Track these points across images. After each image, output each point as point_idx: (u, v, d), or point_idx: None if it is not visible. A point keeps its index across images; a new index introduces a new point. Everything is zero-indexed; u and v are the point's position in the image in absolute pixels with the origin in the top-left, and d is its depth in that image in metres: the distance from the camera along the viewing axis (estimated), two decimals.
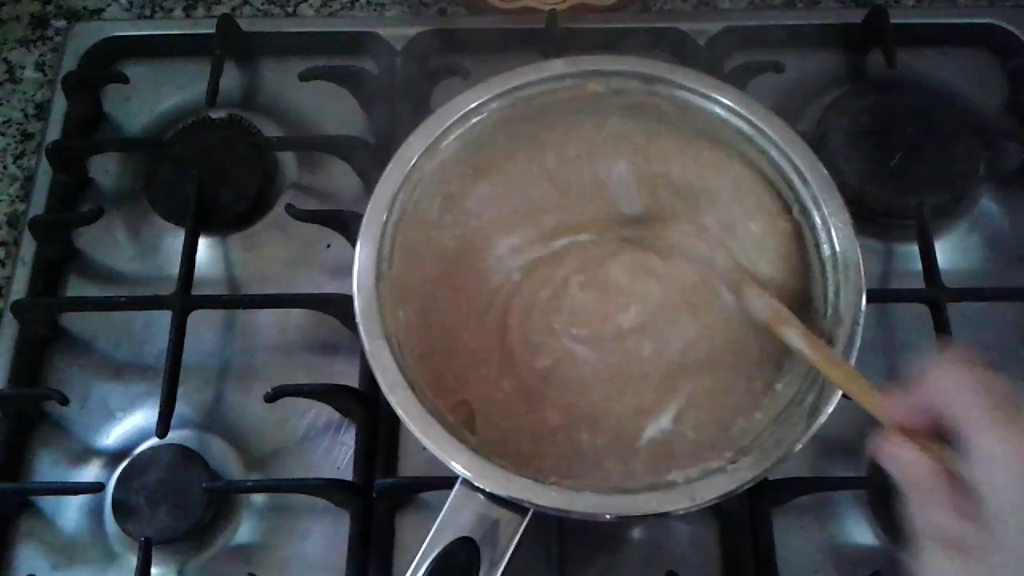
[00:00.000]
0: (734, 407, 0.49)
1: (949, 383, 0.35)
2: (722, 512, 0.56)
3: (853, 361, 0.47)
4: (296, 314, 0.62)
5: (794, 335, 0.47)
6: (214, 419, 0.60)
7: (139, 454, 0.58)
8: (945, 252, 0.62)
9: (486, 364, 0.51)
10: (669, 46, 0.70)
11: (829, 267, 0.50)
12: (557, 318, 0.51)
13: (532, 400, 0.50)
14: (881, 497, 0.56)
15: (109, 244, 0.66)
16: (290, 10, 0.75)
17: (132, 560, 0.54)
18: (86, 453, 0.60)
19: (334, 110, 0.70)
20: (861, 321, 0.48)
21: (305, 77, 0.67)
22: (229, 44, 0.70)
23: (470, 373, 0.50)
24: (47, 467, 0.60)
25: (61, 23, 0.75)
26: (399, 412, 0.46)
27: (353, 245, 0.50)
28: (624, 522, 0.56)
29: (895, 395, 0.38)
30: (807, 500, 0.57)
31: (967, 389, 0.35)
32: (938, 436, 0.36)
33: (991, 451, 0.33)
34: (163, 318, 0.60)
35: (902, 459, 0.37)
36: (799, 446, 0.45)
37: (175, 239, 0.64)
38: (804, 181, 0.51)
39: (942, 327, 0.58)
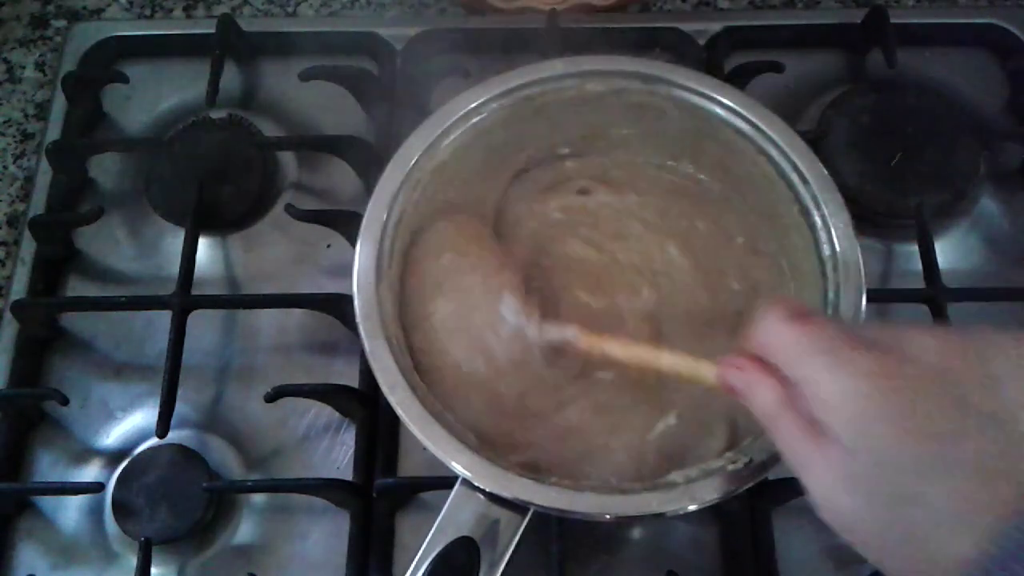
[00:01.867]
0: None
1: (772, 340, 0.37)
2: (722, 512, 0.56)
3: None
4: (296, 314, 0.62)
5: (611, 347, 0.49)
6: (214, 419, 0.60)
7: (139, 454, 0.58)
8: (945, 252, 0.62)
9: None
10: (669, 46, 0.70)
11: (829, 267, 0.50)
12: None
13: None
14: None
15: (109, 244, 0.66)
16: (290, 10, 0.75)
17: (132, 560, 0.54)
18: (86, 453, 0.60)
19: (334, 110, 0.70)
20: (861, 321, 0.48)
21: (305, 77, 0.67)
22: (229, 44, 0.70)
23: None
24: (47, 467, 0.60)
25: (61, 23, 0.75)
26: (399, 412, 0.46)
27: (353, 245, 0.50)
28: (624, 522, 0.56)
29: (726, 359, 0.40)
30: (807, 500, 0.56)
31: (790, 344, 0.36)
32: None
33: (827, 398, 0.35)
34: (163, 318, 0.60)
35: (748, 378, 0.39)
36: None
37: (175, 239, 0.64)
38: (804, 181, 0.51)
39: None
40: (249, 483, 0.59)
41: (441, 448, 0.45)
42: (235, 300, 0.64)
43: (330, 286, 0.62)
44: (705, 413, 0.50)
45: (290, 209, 0.63)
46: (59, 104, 0.69)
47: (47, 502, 0.59)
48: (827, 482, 0.36)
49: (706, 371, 0.43)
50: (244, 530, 0.58)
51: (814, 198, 0.51)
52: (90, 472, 0.59)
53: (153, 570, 0.54)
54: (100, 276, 0.66)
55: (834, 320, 0.46)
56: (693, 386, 0.47)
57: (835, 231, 0.50)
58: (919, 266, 0.61)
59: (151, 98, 0.71)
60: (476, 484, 0.44)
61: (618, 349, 0.48)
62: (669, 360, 0.46)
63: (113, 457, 0.59)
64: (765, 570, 0.55)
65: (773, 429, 0.38)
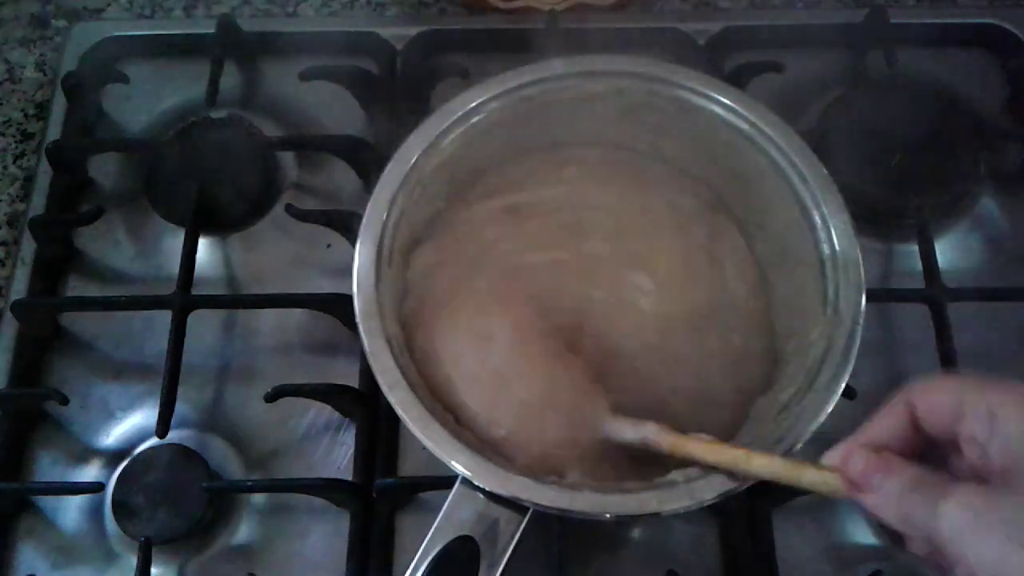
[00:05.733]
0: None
1: (949, 392, 0.37)
2: (722, 512, 0.56)
3: (852, 362, 0.47)
4: (296, 314, 0.62)
5: (696, 448, 0.45)
6: (214, 419, 0.60)
7: (139, 454, 0.58)
8: (945, 252, 0.62)
9: None
10: (669, 46, 0.70)
11: (829, 267, 0.50)
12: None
13: None
14: None
15: (109, 244, 0.66)
16: (290, 10, 0.75)
17: (132, 560, 0.54)
18: (86, 453, 0.60)
19: (334, 110, 0.70)
20: (861, 321, 0.48)
21: (305, 77, 0.67)
22: (229, 44, 0.70)
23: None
24: (47, 467, 0.60)
25: (61, 23, 0.75)
26: (399, 412, 0.46)
27: (353, 245, 0.50)
28: (624, 522, 0.56)
29: (851, 444, 0.39)
30: (807, 500, 0.56)
31: (974, 387, 0.36)
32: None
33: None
34: (163, 318, 0.60)
35: (885, 462, 0.37)
36: (799, 446, 0.45)
37: (175, 239, 0.64)
38: (804, 181, 0.51)
39: (942, 327, 0.58)
40: (249, 483, 0.59)
41: (441, 448, 0.45)
42: (235, 300, 0.64)
43: (330, 286, 0.62)
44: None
45: (290, 209, 0.63)
46: (59, 104, 0.69)
47: (47, 502, 0.59)
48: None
49: (810, 475, 0.40)
50: (244, 530, 0.58)
51: (814, 198, 0.51)
52: (90, 472, 0.59)
53: (153, 570, 0.54)
54: (100, 276, 0.66)
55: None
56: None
57: (835, 230, 0.50)
58: (919, 266, 0.61)
59: (151, 98, 0.71)
60: (476, 484, 0.44)
61: (703, 450, 0.44)
62: (762, 463, 0.43)
63: (113, 457, 0.59)
64: (765, 570, 0.55)
65: (909, 504, 0.36)
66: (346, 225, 0.63)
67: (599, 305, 0.52)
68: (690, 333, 0.52)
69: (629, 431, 0.47)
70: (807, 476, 0.41)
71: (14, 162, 0.70)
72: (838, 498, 0.39)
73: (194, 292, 0.61)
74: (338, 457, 0.59)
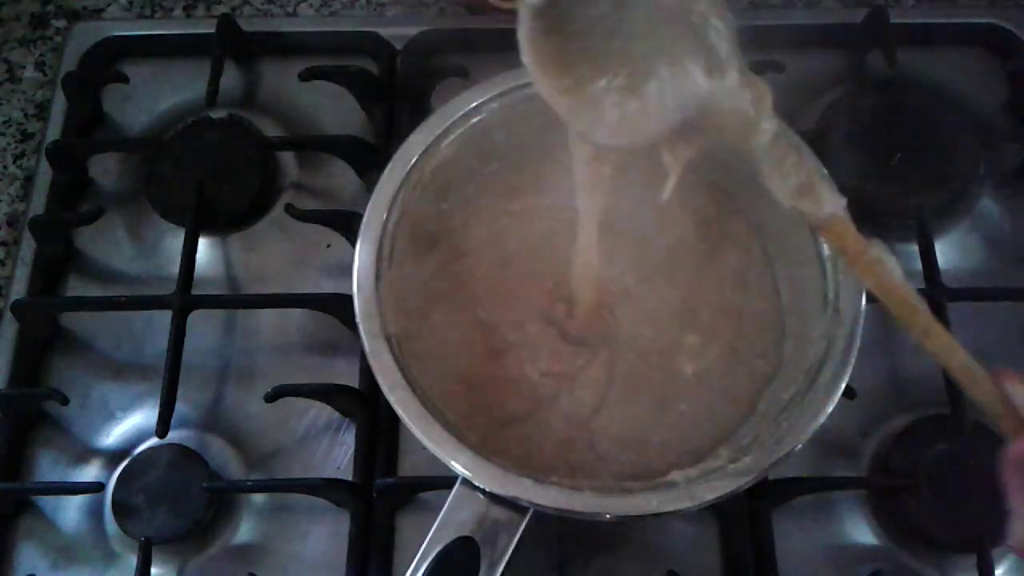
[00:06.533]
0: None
1: None
2: (722, 512, 0.56)
3: (852, 362, 0.47)
4: (296, 314, 0.62)
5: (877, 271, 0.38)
6: (214, 419, 0.60)
7: (139, 454, 0.58)
8: (945, 252, 0.62)
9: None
10: None
11: (829, 267, 0.50)
12: None
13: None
14: (881, 497, 0.57)
15: (109, 244, 0.66)
16: (290, 10, 0.75)
17: (132, 560, 0.55)
18: (86, 453, 0.60)
19: (334, 110, 0.70)
20: (861, 321, 0.48)
21: (305, 77, 0.67)
22: (229, 44, 0.70)
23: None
24: (47, 467, 0.60)
25: (61, 23, 0.75)
26: (399, 412, 0.46)
27: (353, 245, 0.50)
28: (624, 522, 0.56)
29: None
30: (807, 500, 0.57)
31: None
32: None
33: None
34: (163, 318, 0.60)
35: None
36: (799, 446, 0.45)
37: (175, 239, 0.64)
38: None
39: None
40: (249, 483, 0.59)
41: (441, 448, 0.45)
42: (235, 300, 0.64)
43: (330, 286, 0.62)
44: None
45: (290, 209, 0.63)
46: (59, 104, 0.69)
47: (47, 502, 0.59)
48: None
49: (987, 391, 0.36)
50: (244, 530, 0.58)
51: None
52: (90, 472, 0.59)
53: (153, 570, 0.54)
54: (100, 276, 0.66)
55: None
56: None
57: None
58: (919, 266, 0.61)
59: (151, 98, 0.71)
60: (476, 484, 0.44)
61: (880, 278, 0.37)
62: (942, 342, 0.37)
63: (113, 457, 0.60)
64: (765, 570, 0.55)
65: None
66: (346, 225, 0.63)
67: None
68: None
69: (797, 194, 0.39)
70: (983, 389, 0.37)
71: (14, 162, 0.70)
72: (995, 427, 0.37)
73: (194, 292, 0.61)
74: (338, 457, 0.59)
